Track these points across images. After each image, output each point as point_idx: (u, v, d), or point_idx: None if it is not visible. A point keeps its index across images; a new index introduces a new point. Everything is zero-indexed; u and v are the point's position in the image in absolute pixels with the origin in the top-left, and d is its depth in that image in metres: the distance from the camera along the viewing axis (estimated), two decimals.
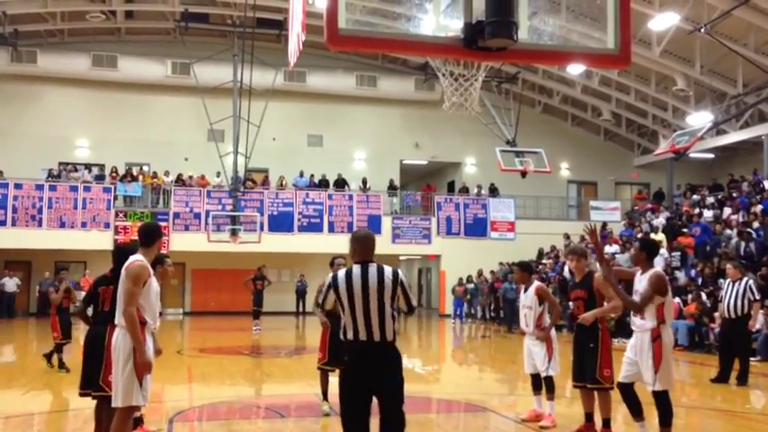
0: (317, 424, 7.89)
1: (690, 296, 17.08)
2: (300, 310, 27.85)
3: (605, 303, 6.85)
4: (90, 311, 6.71)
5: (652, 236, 22.68)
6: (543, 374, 7.61)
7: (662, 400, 6.16)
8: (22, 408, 8.70)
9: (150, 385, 5.42)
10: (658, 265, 19.94)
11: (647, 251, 6.48)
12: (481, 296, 26.32)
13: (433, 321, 28.04)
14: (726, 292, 11.35)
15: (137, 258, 5.39)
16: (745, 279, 11.38)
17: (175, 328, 22.96)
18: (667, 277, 6.37)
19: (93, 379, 5.82)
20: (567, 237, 26.80)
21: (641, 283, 6.29)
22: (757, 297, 11.32)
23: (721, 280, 11.54)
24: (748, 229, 19.12)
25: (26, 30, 26.84)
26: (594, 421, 7.02)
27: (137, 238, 5.69)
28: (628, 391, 6.33)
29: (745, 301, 11.10)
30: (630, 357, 6.36)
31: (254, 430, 7.88)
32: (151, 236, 5.60)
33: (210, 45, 27.65)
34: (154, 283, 5.41)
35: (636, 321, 6.35)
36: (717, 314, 16.00)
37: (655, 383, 6.11)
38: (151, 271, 5.40)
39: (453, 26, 4.23)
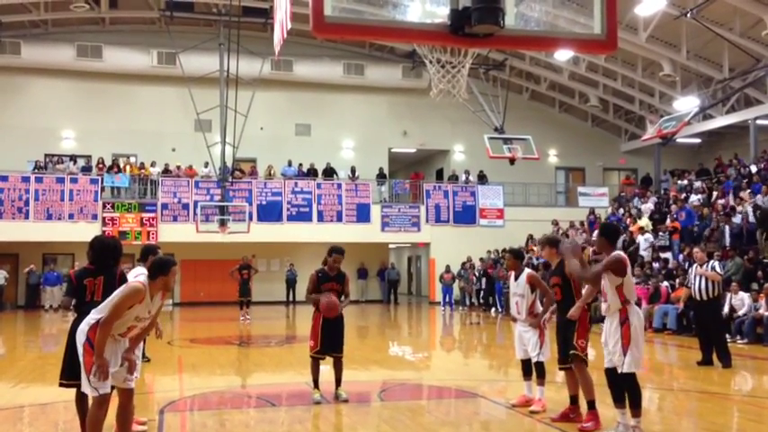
0: (309, 412, 7.91)
1: (677, 280, 17.20)
2: (290, 299, 27.86)
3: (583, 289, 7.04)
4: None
5: (638, 221, 22.85)
6: (534, 360, 7.66)
7: (629, 382, 6.22)
8: (12, 400, 8.67)
9: (109, 381, 5.45)
10: (643, 248, 20.20)
11: (608, 236, 6.57)
12: (466, 283, 26.38)
13: (423, 309, 28.13)
14: (693, 276, 11.50)
15: (142, 281, 5.51)
16: (711, 262, 11.60)
17: (165, 318, 22.91)
18: (624, 257, 6.44)
19: (77, 370, 5.85)
20: (555, 223, 26.92)
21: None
22: (720, 272, 11.62)
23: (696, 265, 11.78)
24: (739, 211, 19.27)
25: (9, 21, 26.57)
26: (579, 404, 7.10)
27: (149, 268, 5.78)
28: (612, 377, 6.37)
29: (715, 283, 11.27)
30: (606, 344, 6.44)
31: (246, 419, 7.89)
32: (153, 272, 5.62)
33: (196, 34, 27.45)
34: (138, 308, 5.48)
35: (602, 306, 6.46)
36: (675, 296, 16.33)
37: (623, 366, 6.18)
38: (148, 297, 5.50)
39: (440, 13, 4.22)
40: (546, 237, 8.00)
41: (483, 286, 25.35)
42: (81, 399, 6.05)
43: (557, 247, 7.39)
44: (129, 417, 5.92)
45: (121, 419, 5.75)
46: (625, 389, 6.25)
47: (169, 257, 5.84)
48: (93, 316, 5.49)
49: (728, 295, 14.83)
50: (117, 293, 5.47)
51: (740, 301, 14.95)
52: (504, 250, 25.96)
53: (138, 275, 5.69)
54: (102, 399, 5.43)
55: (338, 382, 8.38)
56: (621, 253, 6.44)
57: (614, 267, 6.27)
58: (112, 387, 5.59)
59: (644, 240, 20.75)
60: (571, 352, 6.98)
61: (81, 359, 5.42)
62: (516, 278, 7.88)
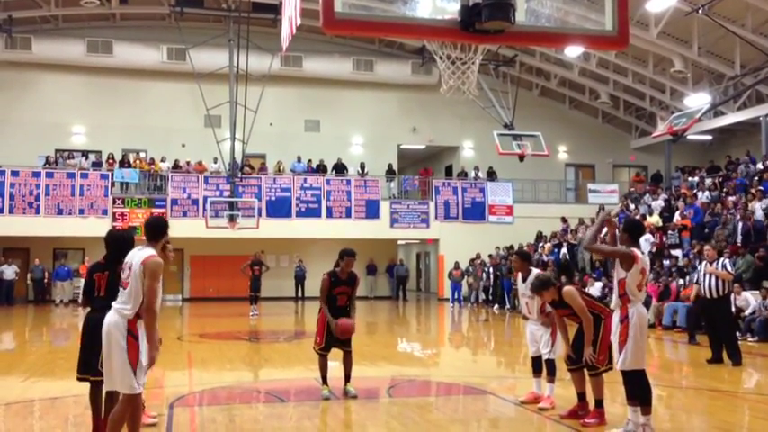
0: (317, 408, 7.93)
1: (687, 278, 17.12)
2: (299, 295, 27.90)
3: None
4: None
5: (648, 218, 22.74)
6: (545, 357, 7.65)
7: (632, 379, 6.22)
8: (22, 394, 8.73)
9: (145, 375, 5.46)
10: (645, 249, 20.09)
11: (630, 231, 6.57)
12: (474, 279, 26.26)
13: (432, 305, 28.13)
14: (704, 274, 11.44)
15: (152, 254, 5.45)
16: (721, 259, 11.55)
17: (175, 314, 23.01)
18: (643, 257, 6.43)
19: (92, 364, 5.87)
20: (564, 220, 26.85)
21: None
22: (732, 271, 11.56)
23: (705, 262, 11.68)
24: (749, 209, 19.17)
25: (20, 16, 26.67)
26: (587, 401, 7.10)
27: (143, 230, 5.75)
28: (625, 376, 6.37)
29: (725, 281, 11.21)
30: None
31: (255, 415, 7.91)
32: (159, 230, 5.69)
33: (206, 30, 27.49)
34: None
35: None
36: (684, 293, 16.20)
37: (619, 363, 6.22)
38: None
39: (450, 9, 4.22)
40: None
41: (492, 282, 25.27)
42: (95, 393, 6.06)
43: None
44: (139, 412, 5.94)
45: (132, 418, 5.76)
46: (631, 386, 6.25)
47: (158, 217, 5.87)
48: (126, 309, 5.32)
49: (732, 296, 14.78)
50: (140, 278, 5.32)
51: (744, 301, 14.84)
52: (510, 247, 25.92)
53: (144, 255, 5.52)
54: (135, 397, 5.37)
55: (347, 377, 8.39)
56: (638, 251, 6.42)
57: (623, 258, 6.29)
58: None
59: (644, 241, 20.60)
60: (590, 372, 6.95)
61: (124, 356, 5.24)
62: (524, 280, 7.82)
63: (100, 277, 6.12)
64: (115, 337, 5.30)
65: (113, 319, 5.35)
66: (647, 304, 15.67)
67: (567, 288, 7.05)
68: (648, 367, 6.61)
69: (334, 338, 8.30)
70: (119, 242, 6.20)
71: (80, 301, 6.87)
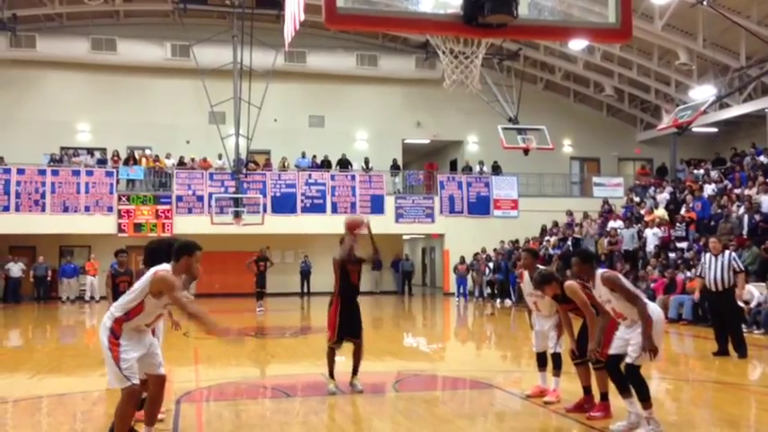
0: (324, 403, 7.94)
1: (693, 271, 17.09)
2: (305, 290, 27.93)
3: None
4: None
5: (655, 211, 22.69)
6: (551, 351, 7.66)
7: (634, 375, 6.19)
8: (30, 391, 8.77)
9: (137, 368, 5.49)
10: (652, 243, 20.03)
11: (587, 261, 6.62)
12: (476, 274, 26.18)
13: (438, 300, 28.13)
14: (709, 266, 11.39)
15: (164, 268, 5.55)
16: (727, 252, 11.47)
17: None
18: (609, 274, 6.43)
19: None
20: (569, 213, 26.81)
21: (599, 290, 6.40)
22: (741, 268, 11.47)
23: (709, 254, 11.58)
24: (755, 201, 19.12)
25: (24, 14, 26.72)
26: (593, 394, 7.11)
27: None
28: (614, 367, 6.34)
29: (730, 274, 11.16)
30: (621, 336, 6.38)
31: (261, 410, 7.94)
32: (176, 251, 5.70)
33: (210, 27, 27.49)
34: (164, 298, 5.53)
35: (622, 324, 6.42)
36: (690, 286, 16.13)
37: (637, 359, 6.14)
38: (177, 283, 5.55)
39: (453, 3, 4.21)
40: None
41: (498, 277, 25.20)
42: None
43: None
44: (158, 405, 5.95)
45: (150, 406, 5.79)
46: (630, 382, 6.24)
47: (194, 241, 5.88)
48: (116, 310, 5.52)
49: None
50: (157, 289, 5.46)
51: (749, 294, 14.77)
52: (516, 242, 25.89)
53: (157, 268, 5.65)
54: (132, 392, 5.43)
55: (355, 370, 8.41)
56: (604, 271, 6.44)
57: (613, 286, 6.25)
58: (143, 381, 5.63)
59: (652, 235, 20.52)
60: (594, 366, 6.94)
61: (108, 354, 5.43)
62: (532, 278, 7.74)
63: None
64: (103, 336, 5.52)
65: (104, 320, 5.58)
66: (651, 298, 15.74)
67: (569, 283, 7.04)
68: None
69: (345, 331, 8.35)
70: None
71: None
